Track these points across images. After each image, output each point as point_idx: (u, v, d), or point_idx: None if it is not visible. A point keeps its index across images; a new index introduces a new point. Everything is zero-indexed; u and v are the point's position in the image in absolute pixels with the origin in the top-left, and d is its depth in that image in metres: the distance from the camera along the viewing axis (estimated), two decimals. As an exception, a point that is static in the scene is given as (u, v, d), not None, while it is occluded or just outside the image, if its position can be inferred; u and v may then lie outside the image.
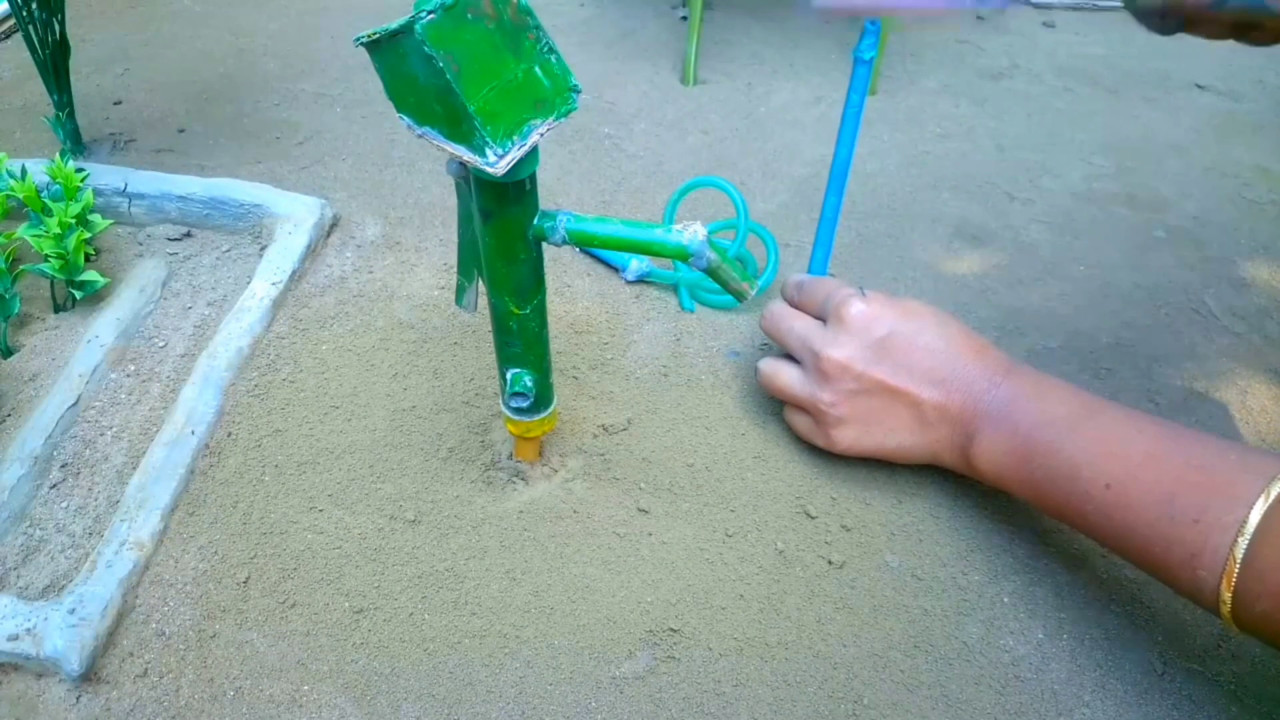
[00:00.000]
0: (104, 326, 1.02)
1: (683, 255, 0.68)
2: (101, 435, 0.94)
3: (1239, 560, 0.63)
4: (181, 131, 1.37)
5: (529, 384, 0.79)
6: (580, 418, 0.98)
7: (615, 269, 1.15)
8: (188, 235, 1.17)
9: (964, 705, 0.77)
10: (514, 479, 0.92)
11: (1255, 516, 0.62)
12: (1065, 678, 0.79)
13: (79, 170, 1.06)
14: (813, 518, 0.90)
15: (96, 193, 1.12)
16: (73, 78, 1.25)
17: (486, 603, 0.83)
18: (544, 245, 0.73)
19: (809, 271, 1.05)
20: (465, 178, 0.70)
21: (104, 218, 1.08)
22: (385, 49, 0.59)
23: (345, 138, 1.37)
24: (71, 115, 1.27)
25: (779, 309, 0.94)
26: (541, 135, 0.61)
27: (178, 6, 1.68)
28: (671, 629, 0.81)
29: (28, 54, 1.20)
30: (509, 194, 0.67)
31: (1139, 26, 0.68)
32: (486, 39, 0.59)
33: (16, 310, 1.02)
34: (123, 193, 1.17)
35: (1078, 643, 0.81)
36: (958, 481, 0.93)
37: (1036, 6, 1.78)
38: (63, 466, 0.91)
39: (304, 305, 1.09)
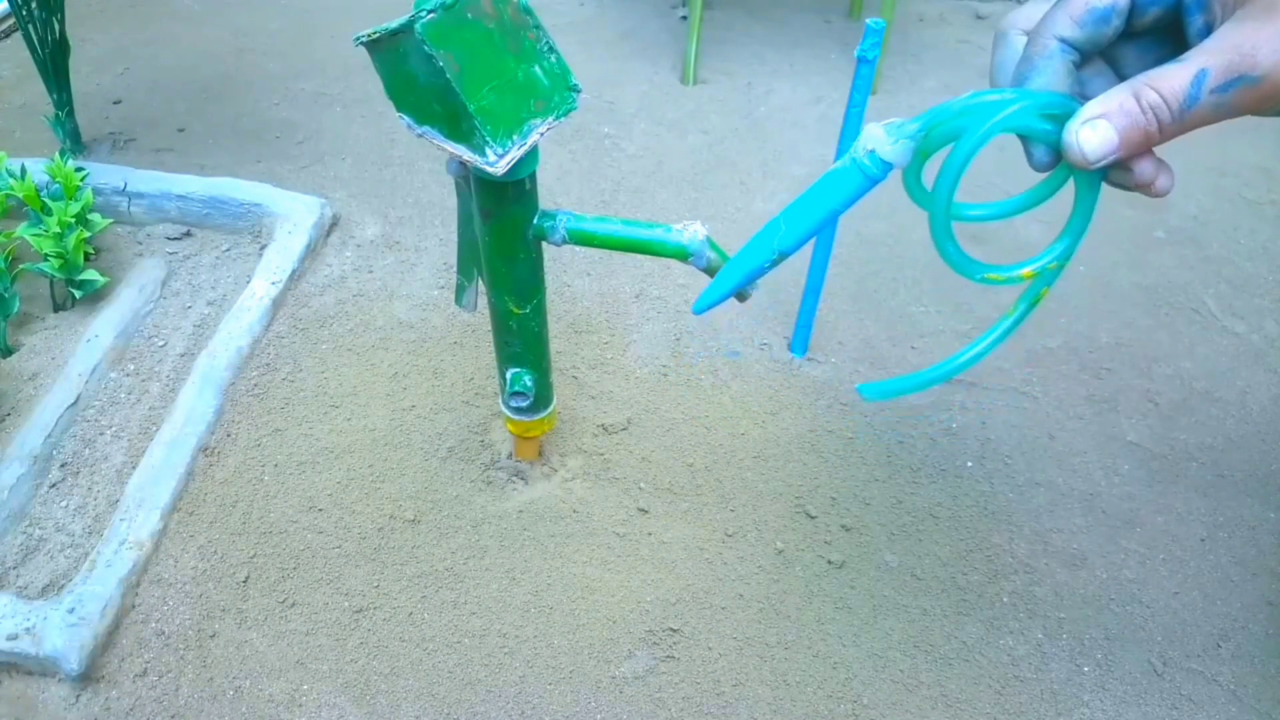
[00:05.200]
0: (103, 326, 1.02)
1: (682, 255, 0.68)
2: (101, 434, 0.94)
3: None
4: (181, 131, 1.37)
5: (529, 383, 0.79)
6: (580, 418, 0.98)
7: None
8: (187, 235, 1.17)
9: (963, 705, 0.77)
10: (513, 479, 0.92)
11: None
12: (1065, 678, 0.79)
13: (78, 169, 1.06)
14: (813, 518, 0.90)
15: (96, 192, 1.12)
16: (73, 77, 1.25)
17: (486, 602, 0.83)
18: (544, 245, 0.73)
19: (807, 279, 1.01)
20: (465, 177, 0.70)
21: (104, 217, 1.08)
22: (385, 48, 0.59)
23: (345, 137, 1.37)
24: (71, 114, 1.27)
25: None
26: (541, 135, 0.61)
27: (178, 6, 1.68)
28: (671, 629, 0.81)
29: (28, 53, 1.20)
30: (509, 193, 0.67)
31: None
32: (486, 38, 0.58)
33: (16, 309, 1.02)
34: (122, 192, 1.17)
35: (1078, 643, 0.81)
36: (957, 480, 0.93)
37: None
38: (62, 466, 0.91)
39: (304, 305, 1.09)
